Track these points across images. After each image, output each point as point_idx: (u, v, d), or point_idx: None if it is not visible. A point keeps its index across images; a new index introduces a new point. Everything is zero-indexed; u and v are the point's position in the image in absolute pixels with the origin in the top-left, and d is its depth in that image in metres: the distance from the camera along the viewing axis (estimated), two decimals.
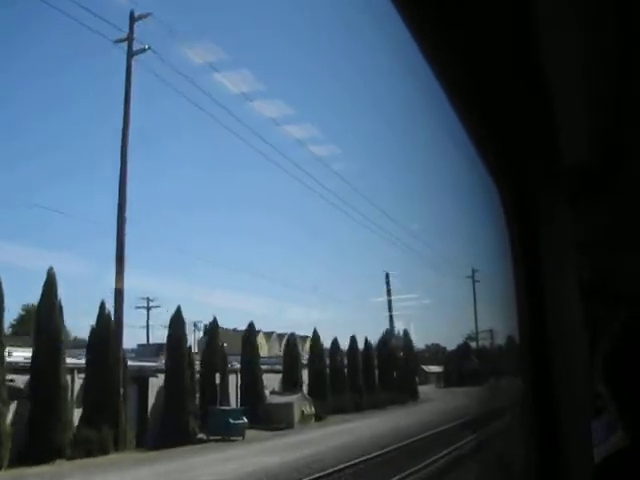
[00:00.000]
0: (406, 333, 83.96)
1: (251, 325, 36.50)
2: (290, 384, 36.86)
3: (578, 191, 1.58)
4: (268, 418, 31.97)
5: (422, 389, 66.25)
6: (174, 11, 67.68)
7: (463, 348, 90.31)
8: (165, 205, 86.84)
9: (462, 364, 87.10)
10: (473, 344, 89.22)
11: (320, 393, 37.32)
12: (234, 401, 32.45)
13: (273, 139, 49.76)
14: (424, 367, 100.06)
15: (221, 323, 33.72)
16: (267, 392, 34.83)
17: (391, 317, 56.17)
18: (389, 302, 58.08)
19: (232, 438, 26.57)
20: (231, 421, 27.00)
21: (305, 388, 38.18)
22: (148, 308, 61.23)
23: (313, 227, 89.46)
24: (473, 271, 70.31)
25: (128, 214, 25.61)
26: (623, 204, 1.86)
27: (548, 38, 1.07)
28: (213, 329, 33.35)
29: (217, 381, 30.92)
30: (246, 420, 27.65)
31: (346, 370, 42.61)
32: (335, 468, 18.27)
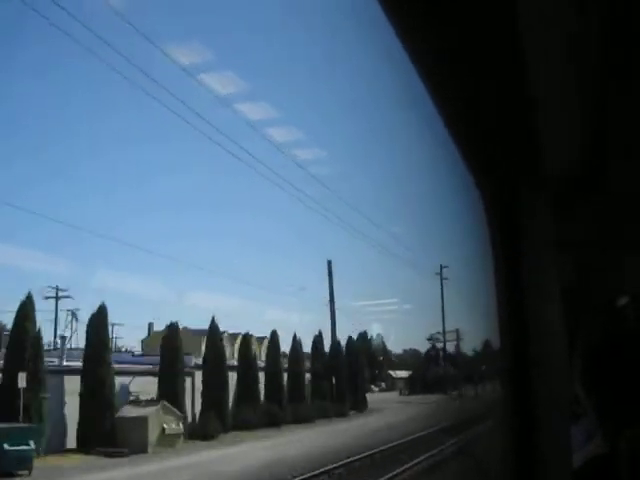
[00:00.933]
0: (362, 336, 76.55)
1: (173, 324, 30.67)
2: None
3: (561, 192, 1.57)
4: (116, 437, 22.83)
5: (381, 397, 60.85)
6: (160, 13, 67.40)
7: (432, 353, 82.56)
8: (151, 208, 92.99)
9: (428, 370, 79.16)
10: (451, 347, 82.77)
11: (219, 403, 30.55)
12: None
13: (256, 142, 51.95)
14: (391, 372, 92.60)
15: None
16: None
17: (333, 314, 48.14)
18: (331, 296, 49.66)
19: (15, 472, 17.69)
20: (6, 447, 17.61)
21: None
22: (57, 298, 56.60)
23: (296, 230, 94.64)
24: (441, 267, 63.52)
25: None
26: (606, 206, 1.84)
27: (532, 40, 1.07)
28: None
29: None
30: (33, 445, 18.57)
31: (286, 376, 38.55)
32: None
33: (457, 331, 69.73)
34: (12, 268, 76.44)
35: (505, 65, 1.07)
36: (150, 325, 77.26)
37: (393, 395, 75.08)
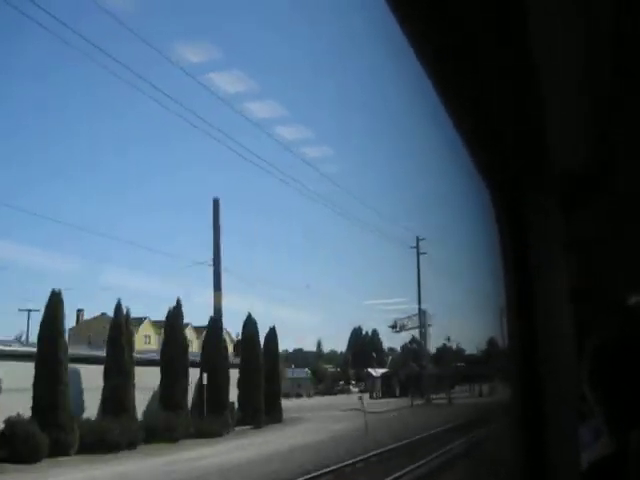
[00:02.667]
0: (356, 332, 68.43)
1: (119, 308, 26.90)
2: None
3: (569, 192, 1.57)
4: None
5: (340, 400, 55.55)
6: (168, 11, 71.38)
7: (412, 346, 73.57)
8: (151, 208, 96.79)
9: (403, 368, 70.05)
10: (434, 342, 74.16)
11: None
12: None
13: (265, 140, 53.28)
14: (371, 370, 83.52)
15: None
16: None
17: (217, 278, 36.17)
18: (216, 252, 37.42)
19: None
20: None
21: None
22: None
23: (304, 228, 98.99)
24: (417, 240, 55.17)
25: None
26: (615, 205, 1.85)
27: (541, 41, 1.07)
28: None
29: None
30: None
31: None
32: None
33: (423, 314, 60.05)
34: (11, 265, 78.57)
35: (513, 65, 1.07)
36: (79, 313, 69.96)
37: (363, 399, 66.56)
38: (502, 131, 1.21)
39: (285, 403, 43.47)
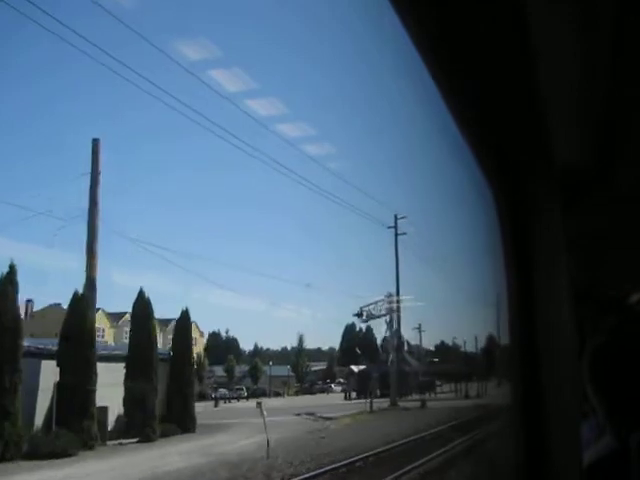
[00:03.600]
0: (350, 327, 63.10)
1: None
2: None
3: (571, 191, 1.58)
4: None
5: (300, 402, 50.89)
6: (167, 8, 72.06)
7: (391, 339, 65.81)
8: (158, 204, 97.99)
9: (375, 367, 61.92)
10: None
11: None
12: None
13: (268, 137, 53.65)
14: (353, 367, 75.22)
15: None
16: None
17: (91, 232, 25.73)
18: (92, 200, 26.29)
19: None
20: None
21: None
22: None
23: (303, 223, 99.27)
24: (395, 218, 54.45)
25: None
26: (617, 204, 1.86)
27: (541, 41, 1.08)
28: None
29: None
30: None
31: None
32: None
33: (391, 299, 52.42)
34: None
35: (515, 65, 1.08)
36: (29, 303, 62.86)
37: (334, 398, 59.22)
38: (503, 128, 1.21)
39: (241, 405, 37.25)
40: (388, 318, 50.85)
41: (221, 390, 78.43)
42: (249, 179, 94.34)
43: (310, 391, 77.47)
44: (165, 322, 76.18)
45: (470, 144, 1.20)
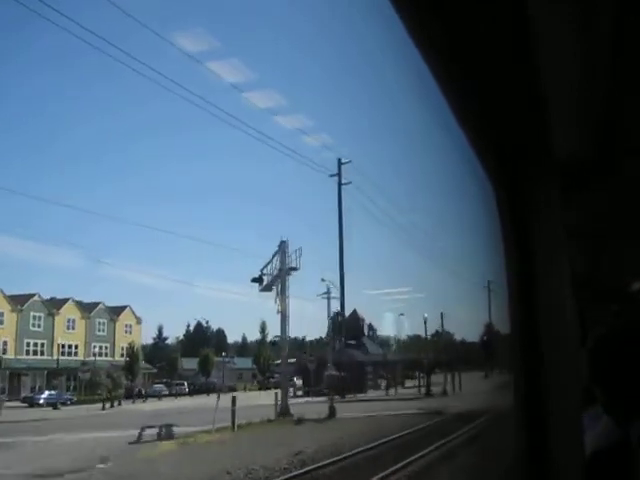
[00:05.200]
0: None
1: None
2: None
3: (571, 183, 1.59)
4: None
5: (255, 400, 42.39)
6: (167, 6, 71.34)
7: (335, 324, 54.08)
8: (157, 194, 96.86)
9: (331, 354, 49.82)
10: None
11: None
12: None
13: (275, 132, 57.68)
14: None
15: None
16: None
17: None
18: None
19: None
20: None
21: None
22: None
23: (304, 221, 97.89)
24: (339, 164, 40.89)
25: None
26: (616, 194, 1.86)
27: (541, 36, 1.09)
28: None
29: None
30: None
31: None
32: None
33: (283, 249, 34.38)
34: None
35: (515, 62, 1.08)
36: None
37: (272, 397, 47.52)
38: (503, 122, 1.21)
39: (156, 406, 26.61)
40: (278, 285, 33.82)
41: (156, 386, 66.92)
42: None
43: (267, 386, 67.50)
44: (88, 306, 64.45)
45: (470, 138, 1.21)
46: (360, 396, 44.31)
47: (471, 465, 14.85)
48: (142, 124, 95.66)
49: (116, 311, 68.19)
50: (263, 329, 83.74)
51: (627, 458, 1.34)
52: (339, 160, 45.21)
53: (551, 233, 1.29)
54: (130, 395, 58.44)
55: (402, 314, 69.28)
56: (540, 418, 1.21)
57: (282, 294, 32.90)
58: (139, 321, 70.46)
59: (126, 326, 68.40)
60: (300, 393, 50.78)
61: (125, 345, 65.83)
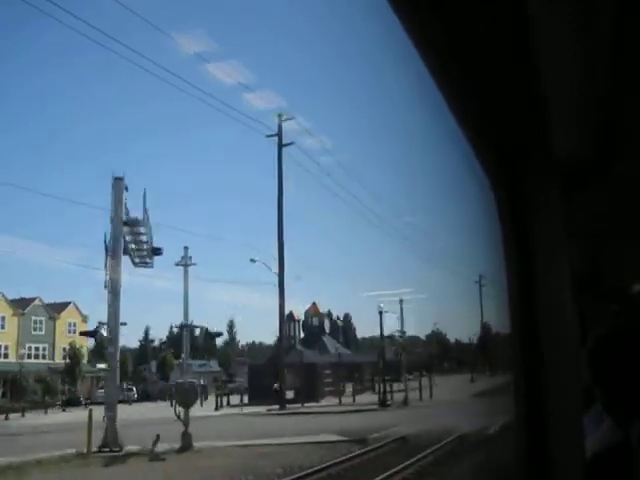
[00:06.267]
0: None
1: None
2: None
3: (571, 183, 1.58)
4: None
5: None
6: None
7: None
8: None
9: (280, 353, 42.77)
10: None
11: None
12: None
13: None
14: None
15: None
16: None
17: None
18: None
19: None
20: None
21: None
22: None
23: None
24: (279, 118, 35.74)
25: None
26: (617, 194, 1.86)
27: (541, 36, 1.09)
28: None
29: None
30: None
31: None
32: None
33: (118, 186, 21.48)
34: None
35: (515, 63, 1.09)
36: None
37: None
38: (503, 119, 1.21)
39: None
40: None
41: (101, 392, 59.62)
42: None
43: (224, 392, 60.36)
44: (23, 302, 57.02)
45: (470, 138, 1.20)
46: (308, 405, 36.78)
47: None
48: (142, 124, 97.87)
49: (57, 308, 60.74)
50: (231, 327, 76.32)
51: (627, 459, 1.33)
52: (279, 116, 38.00)
53: (551, 233, 1.29)
54: (70, 402, 51.79)
55: (385, 311, 62.76)
56: (540, 418, 1.21)
57: (114, 259, 21.63)
58: (85, 319, 63.06)
59: (69, 325, 61.24)
60: (243, 401, 43.15)
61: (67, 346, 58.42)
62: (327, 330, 52.47)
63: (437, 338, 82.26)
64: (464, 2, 0.94)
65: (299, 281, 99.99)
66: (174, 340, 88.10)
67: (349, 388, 44.14)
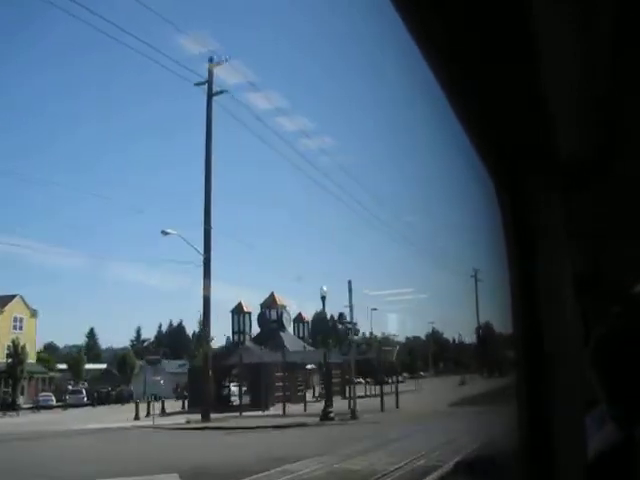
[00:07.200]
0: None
1: None
2: None
3: (572, 178, 1.59)
4: None
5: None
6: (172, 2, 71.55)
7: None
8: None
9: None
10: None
11: None
12: None
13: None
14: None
15: None
16: None
17: None
18: None
19: None
20: None
21: None
22: None
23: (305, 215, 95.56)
24: (210, 61, 35.71)
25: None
26: (619, 193, 1.86)
27: (541, 36, 1.09)
28: None
29: None
30: None
31: None
32: None
33: None
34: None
35: (515, 59, 1.09)
36: None
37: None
38: (504, 119, 1.21)
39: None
40: None
41: (43, 395, 53.69)
42: None
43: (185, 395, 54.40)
44: None
45: (471, 138, 1.21)
46: (247, 415, 30.45)
47: None
48: (142, 124, 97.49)
49: (0, 301, 54.63)
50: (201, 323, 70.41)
51: (630, 459, 1.33)
52: (210, 59, 32.02)
53: (551, 233, 1.29)
54: (2, 406, 45.97)
55: (375, 309, 58.28)
56: (542, 418, 1.21)
57: None
58: (34, 314, 57.02)
59: (15, 320, 55.19)
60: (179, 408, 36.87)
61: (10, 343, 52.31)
62: (288, 325, 45.97)
63: (434, 338, 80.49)
64: (465, 2, 0.94)
65: (299, 282, 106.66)
66: (163, 339, 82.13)
67: (309, 393, 37.85)
